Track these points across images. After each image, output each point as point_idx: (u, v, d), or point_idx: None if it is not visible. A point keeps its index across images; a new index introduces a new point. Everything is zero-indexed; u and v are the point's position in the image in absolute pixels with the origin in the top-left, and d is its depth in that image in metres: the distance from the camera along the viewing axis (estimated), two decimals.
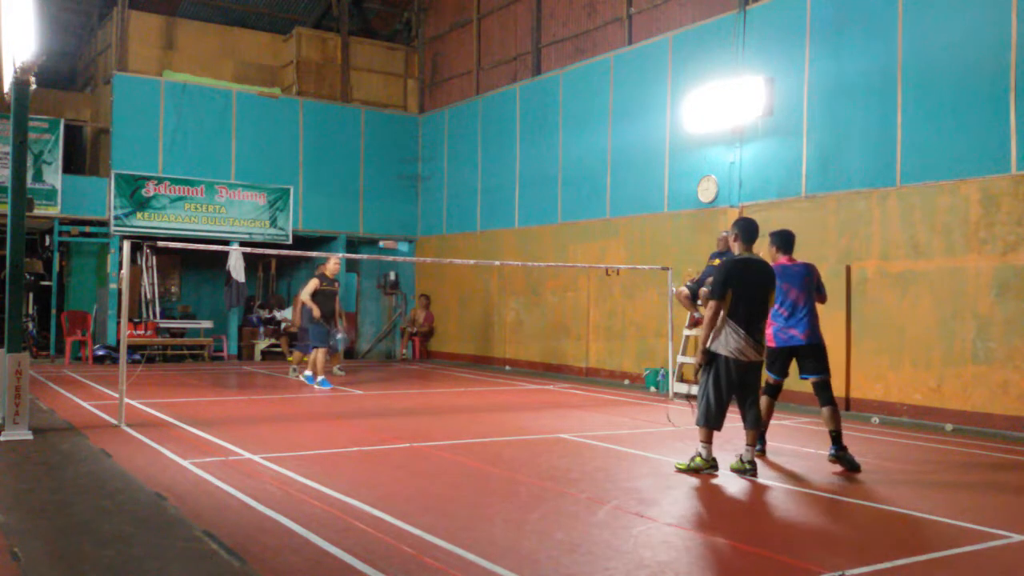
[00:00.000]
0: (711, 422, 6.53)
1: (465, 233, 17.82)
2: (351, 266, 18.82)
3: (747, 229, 6.71)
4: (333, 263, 12.60)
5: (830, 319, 10.74)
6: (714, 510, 5.69)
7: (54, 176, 15.60)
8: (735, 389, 6.55)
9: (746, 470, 6.48)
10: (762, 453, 7.33)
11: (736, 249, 6.79)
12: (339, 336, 12.98)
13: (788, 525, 5.13)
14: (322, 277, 12.49)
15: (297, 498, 5.46)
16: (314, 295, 12.25)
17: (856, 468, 6.72)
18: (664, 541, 4.75)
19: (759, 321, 6.50)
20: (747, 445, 6.58)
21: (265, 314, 18.26)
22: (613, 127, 14.40)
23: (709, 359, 6.52)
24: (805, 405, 10.84)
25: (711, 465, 6.52)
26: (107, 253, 16.29)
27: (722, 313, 6.46)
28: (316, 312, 12.11)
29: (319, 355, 12.25)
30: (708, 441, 6.56)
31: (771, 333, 7.09)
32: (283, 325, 17.75)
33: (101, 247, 16.94)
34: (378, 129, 18.90)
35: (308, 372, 12.45)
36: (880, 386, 10.25)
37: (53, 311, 16.30)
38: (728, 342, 6.44)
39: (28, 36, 7.14)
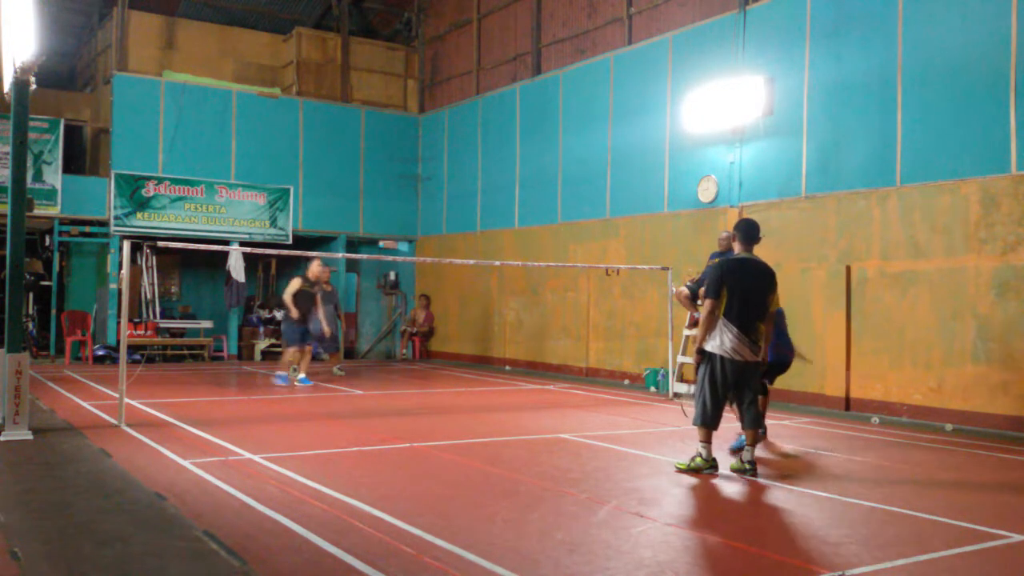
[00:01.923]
0: (707, 421, 6.54)
1: (465, 233, 17.82)
2: (351, 266, 18.83)
3: (747, 231, 6.72)
4: (315, 267, 12.79)
5: (830, 319, 10.76)
6: (714, 510, 5.69)
7: (54, 176, 15.59)
8: (731, 388, 6.56)
9: (746, 470, 6.48)
10: (763, 435, 7.44)
11: (736, 249, 6.80)
12: (317, 346, 13.15)
13: (788, 525, 5.13)
14: (304, 279, 12.67)
15: (297, 498, 5.46)
16: (295, 296, 12.40)
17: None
18: (664, 541, 4.75)
19: (755, 321, 6.49)
20: (747, 445, 6.58)
21: (265, 314, 18.26)
22: (613, 127, 14.40)
23: (703, 358, 6.54)
24: (805, 405, 10.85)
25: (711, 465, 6.52)
26: (107, 253, 16.29)
27: (718, 312, 6.48)
28: (294, 313, 12.37)
29: (287, 353, 12.51)
30: (707, 441, 6.57)
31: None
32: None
33: (101, 247, 16.94)
34: (378, 129, 18.89)
35: (281, 372, 12.57)
36: (880, 386, 10.25)
37: (53, 311, 16.29)
38: (723, 341, 6.45)
39: (28, 36, 7.15)
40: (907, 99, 10.22)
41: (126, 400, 8.67)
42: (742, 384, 6.56)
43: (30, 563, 4.13)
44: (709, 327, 6.50)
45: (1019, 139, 9.15)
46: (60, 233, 16.04)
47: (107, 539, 4.52)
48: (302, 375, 12.47)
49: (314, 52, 19.10)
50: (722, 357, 6.45)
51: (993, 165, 9.35)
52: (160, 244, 10.57)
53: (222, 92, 17.30)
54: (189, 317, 18.19)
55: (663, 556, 4.46)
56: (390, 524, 4.88)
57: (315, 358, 16.19)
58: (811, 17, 11.33)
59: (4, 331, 7.90)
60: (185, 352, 16.68)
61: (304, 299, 12.55)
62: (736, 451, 7.25)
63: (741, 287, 6.45)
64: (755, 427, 6.62)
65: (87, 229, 16.36)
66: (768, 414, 10.26)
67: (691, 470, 6.54)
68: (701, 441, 6.58)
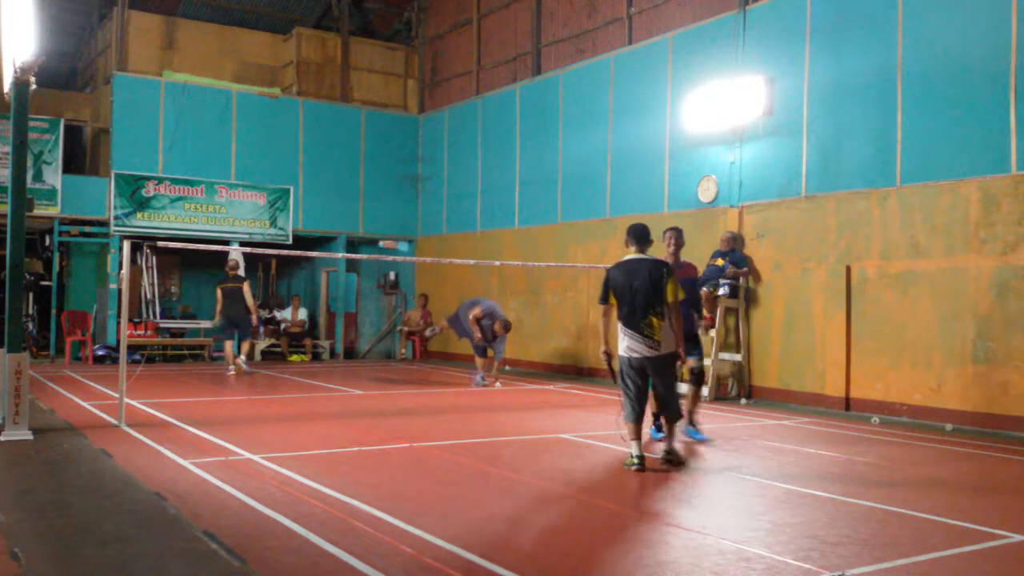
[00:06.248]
0: (628, 417, 6.74)
1: (465, 233, 17.82)
2: (351, 266, 18.83)
3: (635, 234, 6.87)
4: (232, 256, 13.75)
5: (830, 319, 10.76)
6: (713, 510, 5.68)
7: (54, 176, 15.60)
8: (639, 385, 6.69)
9: (667, 460, 6.63)
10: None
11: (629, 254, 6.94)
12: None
13: (787, 525, 5.13)
14: (224, 276, 13.62)
15: (297, 498, 5.46)
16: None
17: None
18: (664, 541, 4.75)
19: (643, 318, 6.58)
20: (665, 436, 6.79)
21: (265, 314, 18.25)
22: (613, 127, 14.40)
23: (607, 359, 6.87)
24: (805, 405, 10.85)
25: (634, 461, 6.58)
26: (107, 253, 16.29)
27: (607, 316, 6.84)
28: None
29: (227, 347, 13.61)
30: (634, 438, 6.68)
31: None
32: (283, 325, 17.76)
33: (101, 247, 16.94)
34: (378, 129, 18.90)
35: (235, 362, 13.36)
36: (880, 386, 10.25)
37: (53, 311, 16.29)
38: (622, 342, 6.72)
39: (28, 36, 7.15)
40: (907, 99, 10.21)
41: (126, 400, 8.67)
42: (655, 379, 6.68)
43: (30, 563, 4.13)
44: (602, 330, 6.87)
45: (1019, 139, 9.15)
46: (60, 233, 16.04)
47: (107, 539, 4.52)
48: (243, 358, 13.61)
49: (314, 52, 19.10)
50: (621, 356, 6.75)
51: (993, 165, 9.35)
52: (160, 244, 10.57)
53: (222, 92, 17.30)
54: (189, 317, 18.19)
55: (663, 556, 4.47)
56: (390, 524, 4.88)
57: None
58: (811, 17, 11.33)
59: (4, 331, 7.90)
60: (185, 352, 16.68)
61: (225, 295, 13.52)
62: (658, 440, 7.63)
63: (621, 288, 6.70)
64: (672, 421, 6.75)
65: (87, 229, 16.36)
66: (766, 413, 10.28)
67: (626, 466, 6.64)
68: (630, 439, 6.71)
